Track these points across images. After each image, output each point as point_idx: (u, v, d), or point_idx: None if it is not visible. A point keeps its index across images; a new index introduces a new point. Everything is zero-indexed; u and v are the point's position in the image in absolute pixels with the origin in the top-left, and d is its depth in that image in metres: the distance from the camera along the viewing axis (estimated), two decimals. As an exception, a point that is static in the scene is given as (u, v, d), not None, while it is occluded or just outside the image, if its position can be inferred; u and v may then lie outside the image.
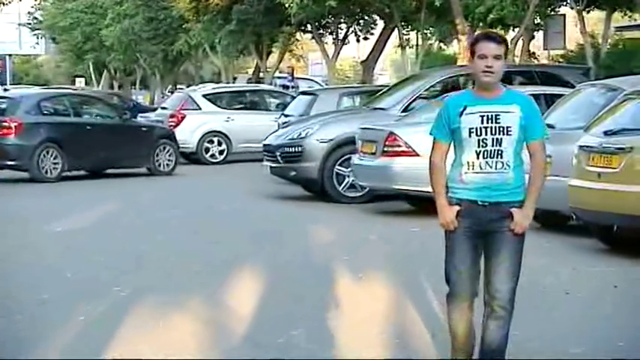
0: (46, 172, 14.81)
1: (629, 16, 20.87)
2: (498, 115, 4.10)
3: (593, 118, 8.34)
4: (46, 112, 15.31)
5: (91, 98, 17.91)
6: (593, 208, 7.69)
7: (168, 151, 16.46)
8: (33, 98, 15.59)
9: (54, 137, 14.91)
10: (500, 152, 4.10)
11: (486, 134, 4.10)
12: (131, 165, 16.18)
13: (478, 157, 4.11)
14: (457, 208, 4.17)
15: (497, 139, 4.09)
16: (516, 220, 4.13)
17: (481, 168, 4.12)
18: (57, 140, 14.92)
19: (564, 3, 19.94)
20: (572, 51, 21.27)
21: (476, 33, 22.10)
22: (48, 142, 14.81)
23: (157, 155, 16.25)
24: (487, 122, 4.10)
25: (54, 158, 14.87)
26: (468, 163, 4.13)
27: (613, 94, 8.80)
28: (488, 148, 4.10)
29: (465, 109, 4.14)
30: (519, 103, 4.14)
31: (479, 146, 4.11)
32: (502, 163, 4.11)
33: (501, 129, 4.09)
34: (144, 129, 16.65)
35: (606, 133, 7.78)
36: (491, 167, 4.11)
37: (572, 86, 11.42)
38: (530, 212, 4.15)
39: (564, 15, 20.43)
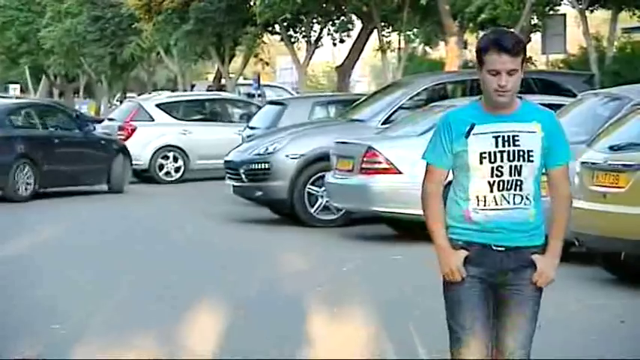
0: (19, 190, 14.94)
1: (639, 17, 21.16)
2: (517, 136, 3.70)
3: (597, 131, 8.44)
4: (17, 124, 15.51)
5: (53, 108, 18.15)
6: (597, 233, 7.75)
7: (122, 166, 16.67)
8: (2, 109, 15.71)
9: (28, 152, 15.09)
10: (519, 183, 3.70)
11: (502, 160, 3.69)
12: (90, 182, 16.38)
13: (492, 190, 3.70)
14: (464, 253, 3.74)
15: (515, 166, 3.69)
16: (541, 269, 3.74)
17: (497, 203, 3.71)
18: (30, 156, 15.09)
19: (565, 1, 20.19)
20: (573, 55, 21.53)
21: (482, 33, 22.27)
22: (22, 158, 14.96)
23: (113, 171, 16.47)
24: (503, 145, 3.69)
25: (27, 176, 15.02)
26: (477, 197, 3.72)
27: (619, 104, 8.92)
28: (505, 177, 3.69)
29: (472, 127, 3.72)
30: (540, 119, 3.74)
31: (492, 175, 3.70)
32: (521, 196, 3.71)
33: (521, 153, 3.69)
34: (102, 142, 16.92)
35: (612, 149, 7.88)
36: (509, 202, 3.70)
37: (574, 95, 11.57)
38: (556, 259, 3.78)
39: (565, 15, 20.68)
